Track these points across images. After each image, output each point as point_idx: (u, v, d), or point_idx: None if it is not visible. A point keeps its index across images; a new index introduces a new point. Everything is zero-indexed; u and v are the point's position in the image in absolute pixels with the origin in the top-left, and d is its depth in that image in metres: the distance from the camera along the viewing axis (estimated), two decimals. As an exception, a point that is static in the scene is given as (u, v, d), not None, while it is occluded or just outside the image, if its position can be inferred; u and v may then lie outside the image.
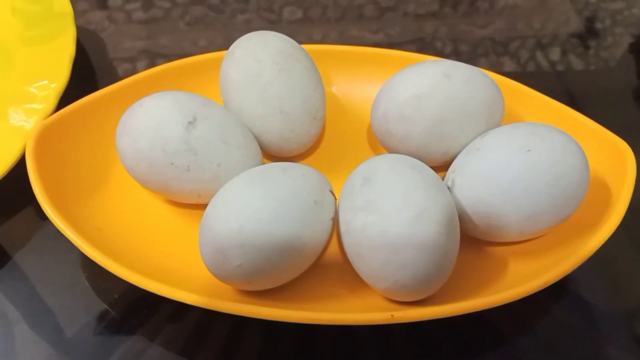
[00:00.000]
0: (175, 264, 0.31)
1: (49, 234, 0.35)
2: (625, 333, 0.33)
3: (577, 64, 0.47)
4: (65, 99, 0.37)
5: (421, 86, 0.32)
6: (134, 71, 0.45)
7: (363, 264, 0.29)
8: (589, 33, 0.49)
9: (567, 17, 0.50)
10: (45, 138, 0.33)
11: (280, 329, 0.32)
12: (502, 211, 0.30)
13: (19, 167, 0.34)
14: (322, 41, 0.48)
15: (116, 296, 0.33)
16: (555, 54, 0.47)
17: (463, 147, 0.32)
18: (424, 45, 0.48)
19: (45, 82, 0.37)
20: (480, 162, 0.30)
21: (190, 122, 0.31)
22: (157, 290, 0.28)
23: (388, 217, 0.28)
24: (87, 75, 0.44)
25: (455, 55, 0.48)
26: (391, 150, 0.34)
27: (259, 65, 0.33)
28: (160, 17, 0.49)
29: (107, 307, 0.33)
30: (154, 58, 0.46)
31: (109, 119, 0.34)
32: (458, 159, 0.32)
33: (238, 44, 0.35)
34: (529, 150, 0.29)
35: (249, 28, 0.48)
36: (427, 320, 0.28)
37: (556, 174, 0.29)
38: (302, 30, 0.49)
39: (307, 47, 0.37)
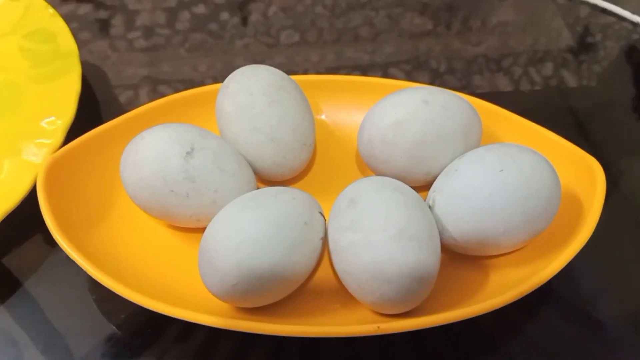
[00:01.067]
0: (177, 285, 0.35)
1: (58, 260, 0.38)
2: (619, 336, 0.36)
3: (570, 78, 0.50)
4: (72, 131, 0.40)
5: (401, 113, 0.36)
6: (136, 98, 0.48)
7: (351, 280, 0.32)
8: (580, 47, 0.52)
9: (559, 32, 0.53)
10: (54, 170, 0.36)
11: (283, 346, 0.35)
12: (479, 227, 0.33)
13: (29, 198, 0.37)
14: (319, 63, 0.51)
15: (123, 317, 0.36)
16: (548, 69, 0.50)
17: (443, 168, 0.36)
18: (419, 64, 0.51)
19: (53, 118, 0.41)
20: (457, 182, 0.34)
21: (188, 152, 0.34)
22: (160, 309, 0.32)
23: (371, 236, 0.31)
24: (91, 104, 0.47)
25: (450, 73, 0.50)
26: (377, 173, 0.38)
27: (251, 98, 0.37)
28: (161, 44, 0.52)
29: (114, 328, 0.36)
30: (156, 84, 0.49)
31: (114, 150, 0.37)
32: (438, 179, 0.35)
33: (232, 78, 0.38)
34: (502, 170, 0.33)
35: (247, 52, 0.52)
36: (425, 330, 0.32)
37: (527, 191, 0.32)
38: (300, 53, 0.52)
39: (297, 78, 0.40)
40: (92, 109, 0.47)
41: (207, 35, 0.53)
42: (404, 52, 0.52)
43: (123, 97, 0.49)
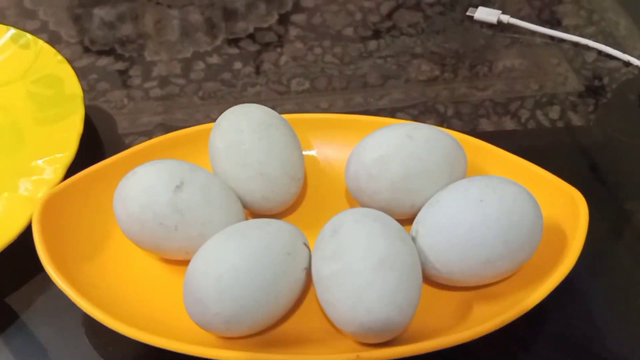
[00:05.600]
0: (165, 316, 0.35)
1: (55, 295, 0.37)
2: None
3: (577, 121, 0.50)
4: (76, 171, 0.40)
5: (385, 147, 0.36)
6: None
7: (332, 309, 0.32)
8: (587, 91, 0.52)
9: (565, 77, 0.53)
10: (51, 206, 0.37)
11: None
12: (461, 257, 0.33)
13: (27, 235, 0.37)
14: (328, 109, 0.51)
15: (110, 348, 0.36)
16: (555, 112, 0.50)
17: (427, 200, 0.36)
18: (427, 109, 0.51)
19: (54, 156, 0.42)
20: (439, 213, 0.34)
21: (177, 186, 0.35)
22: (145, 339, 0.32)
23: (352, 265, 0.31)
24: (99, 150, 0.48)
25: (457, 117, 0.50)
26: (364, 206, 0.38)
27: (240, 135, 0.38)
28: (175, 93, 0.53)
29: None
30: (169, 131, 0.48)
31: (110, 186, 0.37)
32: (421, 211, 0.35)
33: (223, 117, 0.39)
34: (482, 201, 0.33)
35: (258, 99, 0.52)
36: None
37: (508, 222, 0.32)
38: (309, 99, 0.52)
39: (288, 116, 0.41)
40: (99, 153, 0.48)
41: (220, 84, 0.54)
42: (411, 97, 0.52)
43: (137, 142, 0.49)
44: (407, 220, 0.36)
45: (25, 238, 0.38)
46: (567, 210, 0.36)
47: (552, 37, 0.56)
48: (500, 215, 0.32)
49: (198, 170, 0.37)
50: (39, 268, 0.36)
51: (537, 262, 0.34)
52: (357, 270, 0.31)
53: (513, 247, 0.33)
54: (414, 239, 0.34)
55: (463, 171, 0.37)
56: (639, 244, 0.41)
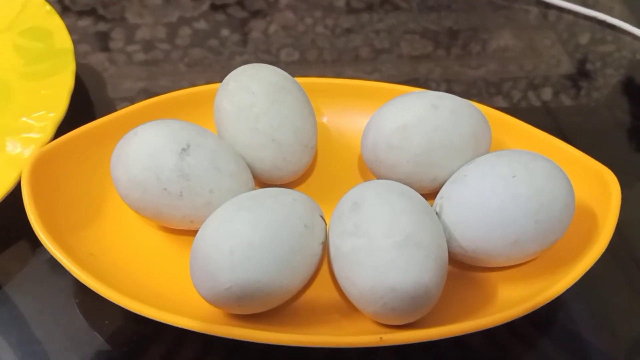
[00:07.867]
0: (167, 289, 0.31)
1: (41, 263, 0.35)
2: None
3: (568, 103, 0.48)
4: (64, 133, 0.36)
5: (408, 117, 0.33)
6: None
7: (352, 287, 0.29)
8: (580, 74, 0.50)
9: (558, 59, 0.51)
10: (42, 165, 0.33)
11: (277, 357, 0.32)
12: (488, 236, 0.30)
13: (14, 196, 0.33)
14: None
15: (107, 322, 0.33)
16: (547, 94, 0.48)
17: (451, 175, 0.33)
18: (419, 86, 0.47)
19: (44, 112, 0.38)
20: (466, 189, 0.31)
21: (183, 149, 0.31)
22: (146, 313, 0.29)
23: (376, 241, 0.28)
24: (86, 113, 0.45)
25: (449, 95, 0.48)
26: (381, 178, 0.34)
27: (252, 97, 0.34)
28: (160, 58, 0.50)
29: (98, 336, 0.32)
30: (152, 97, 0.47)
31: (105, 148, 0.34)
32: (446, 185, 0.32)
33: (232, 76, 0.35)
34: (514, 177, 0.30)
35: None
36: (414, 350, 0.29)
37: (540, 200, 0.29)
38: (299, 71, 0.49)
39: (300, 79, 0.37)
40: (88, 118, 0.44)
41: (206, 51, 0.51)
42: (403, 73, 0.50)
43: (119, 108, 0.45)
44: (424, 195, 0.32)
45: (7, 201, 0.34)
46: (597, 190, 0.33)
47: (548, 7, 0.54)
48: (533, 193, 0.29)
49: (206, 134, 0.33)
50: (26, 234, 0.32)
51: (566, 242, 0.31)
52: (381, 247, 0.28)
53: (544, 227, 0.30)
54: (437, 215, 0.31)
55: (488, 145, 0.34)
56: (628, 231, 0.38)
